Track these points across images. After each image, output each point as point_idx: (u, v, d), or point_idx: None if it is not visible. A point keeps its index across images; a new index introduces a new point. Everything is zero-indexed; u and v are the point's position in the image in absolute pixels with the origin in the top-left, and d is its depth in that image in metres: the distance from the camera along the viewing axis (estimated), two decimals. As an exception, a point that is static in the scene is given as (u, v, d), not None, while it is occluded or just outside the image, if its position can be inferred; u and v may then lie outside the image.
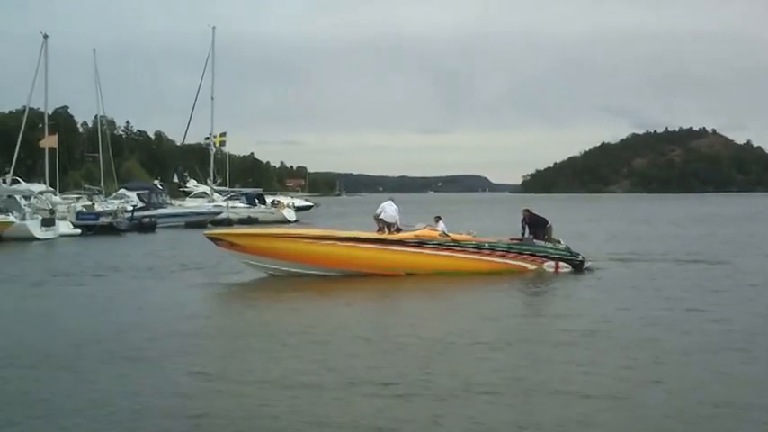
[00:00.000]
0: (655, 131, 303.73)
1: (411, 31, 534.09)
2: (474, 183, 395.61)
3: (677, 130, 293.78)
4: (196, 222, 43.10)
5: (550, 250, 20.42)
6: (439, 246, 19.69)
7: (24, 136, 51.37)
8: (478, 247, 19.98)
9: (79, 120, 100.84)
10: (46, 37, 50.75)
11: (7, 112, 79.39)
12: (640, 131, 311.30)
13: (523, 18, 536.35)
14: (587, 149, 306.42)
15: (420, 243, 19.69)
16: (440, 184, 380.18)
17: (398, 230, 20.10)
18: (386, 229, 19.99)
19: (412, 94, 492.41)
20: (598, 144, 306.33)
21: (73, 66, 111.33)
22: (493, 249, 20.06)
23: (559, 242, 21.00)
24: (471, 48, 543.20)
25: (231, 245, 19.71)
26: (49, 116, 54.10)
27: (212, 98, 59.96)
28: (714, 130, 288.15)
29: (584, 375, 9.30)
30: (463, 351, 10.75)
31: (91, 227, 40.10)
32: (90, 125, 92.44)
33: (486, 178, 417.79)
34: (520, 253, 20.18)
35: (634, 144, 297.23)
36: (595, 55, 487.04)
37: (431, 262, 19.42)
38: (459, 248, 19.77)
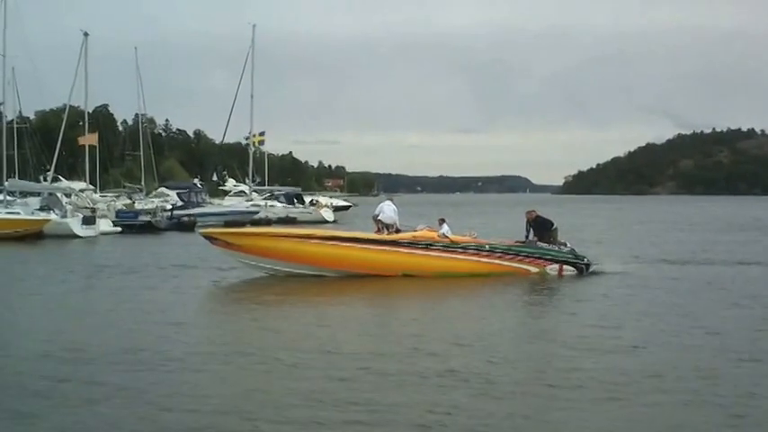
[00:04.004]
0: (701, 132, 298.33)
1: (451, 29, 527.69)
2: (515, 183, 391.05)
3: (725, 130, 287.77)
4: (234, 221, 42.81)
5: (554, 253, 20.18)
6: (438, 247, 19.50)
7: (65, 134, 52.08)
8: (479, 249, 19.75)
9: (119, 118, 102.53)
10: (86, 35, 51.61)
11: (48, 110, 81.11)
12: (687, 132, 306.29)
13: (564, 15, 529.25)
14: (632, 150, 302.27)
15: (418, 244, 19.52)
16: (480, 184, 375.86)
17: (397, 231, 20.00)
18: (384, 230, 19.93)
19: (451, 93, 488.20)
20: (643, 144, 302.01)
21: (112, 64, 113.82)
22: (493, 251, 19.84)
23: (565, 245, 20.80)
24: (511, 46, 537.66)
25: (227, 244, 19.69)
26: (89, 114, 54.65)
27: (252, 96, 59.55)
28: (763, 131, 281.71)
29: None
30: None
31: (130, 225, 40.99)
32: (130, 123, 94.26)
33: (527, 179, 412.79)
34: (521, 255, 19.94)
35: (680, 145, 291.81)
36: (639, 53, 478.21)
37: (429, 263, 19.33)
38: (458, 250, 19.58)
